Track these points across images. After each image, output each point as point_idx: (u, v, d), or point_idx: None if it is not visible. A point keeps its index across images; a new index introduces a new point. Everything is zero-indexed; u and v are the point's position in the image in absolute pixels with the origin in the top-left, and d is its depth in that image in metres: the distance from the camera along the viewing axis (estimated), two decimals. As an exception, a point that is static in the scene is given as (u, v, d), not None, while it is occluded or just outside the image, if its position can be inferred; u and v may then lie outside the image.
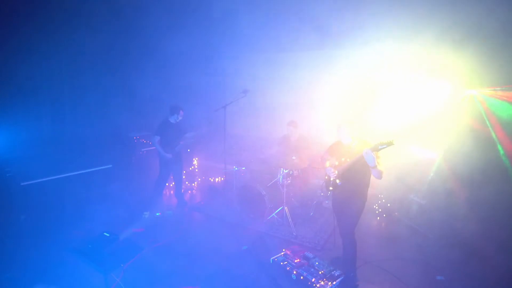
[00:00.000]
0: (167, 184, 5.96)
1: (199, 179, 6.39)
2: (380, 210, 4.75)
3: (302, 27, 5.34)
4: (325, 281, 2.97)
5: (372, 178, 2.86)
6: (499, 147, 3.53)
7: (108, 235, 2.92)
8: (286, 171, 4.25)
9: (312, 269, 3.14)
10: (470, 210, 3.66)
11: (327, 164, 3.18)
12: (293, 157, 4.50)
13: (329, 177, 3.10)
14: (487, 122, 3.70)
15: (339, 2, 4.76)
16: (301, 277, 3.07)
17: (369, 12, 4.66)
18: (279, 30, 5.51)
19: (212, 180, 6.48)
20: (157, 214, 4.71)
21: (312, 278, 3.00)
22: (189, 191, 5.91)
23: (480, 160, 3.57)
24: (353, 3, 4.72)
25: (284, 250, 3.51)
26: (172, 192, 5.85)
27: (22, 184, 4.23)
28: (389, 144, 2.53)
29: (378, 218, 4.67)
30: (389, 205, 4.71)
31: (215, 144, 6.58)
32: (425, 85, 4.22)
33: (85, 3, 4.91)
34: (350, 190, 2.98)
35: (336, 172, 3.01)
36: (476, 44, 3.64)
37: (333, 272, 3.09)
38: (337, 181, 3.03)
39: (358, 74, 5.30)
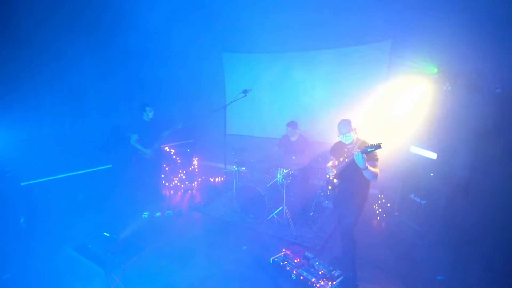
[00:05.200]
0: (167, 183, 6.01)
1: (199, 179, 6.39)
2: (380, 210, 4.75)
3: (303, 27, 5.34)
4: (325, 281, 2.97)
5: None
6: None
7: (108, 235, 2.93)
8: (286, 171, 4.25)
9: (312, 269, 3.15)
10: (470, 210, 3.66)
11: (329, 163, 3.20)
12: (293, 157, 4.51)
13: (329, 176, 3.12)
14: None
15: (336, 3, 4.78)
16: (301, 277, 3.07)
17: (368, 12, 4.66)
18: (280, 29, 5.50)
19: (212, 180, 6.48)
20: (157, 214, 4.71)
21: (312, 278, 3.00)
22: (189, 191, 5.91)
23: (479, 160, 3.56)
24: (351, 4, 4.72)
25: (284, 250, 3.51)
26: (171, 192, 5.87)
27: (22, 184, 4.23)
28: (377, 147, 2.55)
29: (378, 218, 4.67)
30: (389, 205, 4.71)
31: (215, 144, 6.59)
32: (425, 86, 4.21)
33: (86, 7, 4.92)
34: (348, 190, 2.99)
35: (335, 171, 3.02)
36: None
37: (333, 272, 3.09)
38: (335, 180, 3.05)
39: (360, 74, 5.31)
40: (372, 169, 2.72)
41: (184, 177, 6.14)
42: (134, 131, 4.69)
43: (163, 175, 5.78)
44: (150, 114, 4.72)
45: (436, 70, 4.04)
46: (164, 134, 4.78)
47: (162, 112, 5.14)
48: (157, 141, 4.77)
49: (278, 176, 4.38)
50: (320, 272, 3.09)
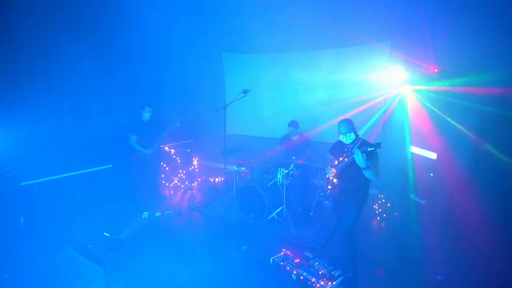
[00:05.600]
0: (167, 184, 6.01)
1: (199, 179, 6.39)
2: (380, 210, 4.75)
3: (303, 27, 5.34)
4: (325, 281, 2.97)
5: None
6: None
7: (108, 235, 2.93)
8: (286, 171, 4.25)
9: (312, 269, 3.15)
10: (470, 210, 3.66)
11: (329, 163, 3.20)
12: (293, 157, 4.51)
13: (329, 176, 3.12)
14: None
15: (336, 3, 4.78)
16: (301, 277, 3.07)
17: (368, 12, 4.65)
18: (281, 29, 5.51)
19: (212, 180, 6.48)
20: (157, 214, 4.71)
21: (312, 278, 3.01)
22: (189, 191, 5.91)
23: (480, 160, 3.56)
24: (351, 4, 4.72)
25: (284, 250, 3.51)
26: (171, 192, 5.87)
27: (22, 184, 4.23)
28: (377, 146, 2.56)
29: (378, 218, 4.67)
30: (389, 205, 4.71)
31: (215, 144, 6.59)
32: (425, 85, 4.21)
33: (87, 7, 4.92)
34: (348, 190, 2.99)
35: (334, 171, 3.02)
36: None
37: (333, 272, 3.09)
38: (334, 180, 3.05)
39: (360, 74, 5.30)
40: (370, 170, 2.72)
41: (184, 177, 6.14)
42: (133, 132, 4.71)
43: (163, 175, 5.79)
44: (147, 115, 4.73)
45: (436, 69, 4.04)
46: (163, 134, 4.79)
47: (162, 112, 5.14)
48: (156, 140, 4.77)
49: (278, 176, 4.38)
50: (320, 272, 3.09)
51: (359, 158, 2.63)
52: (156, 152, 4.84)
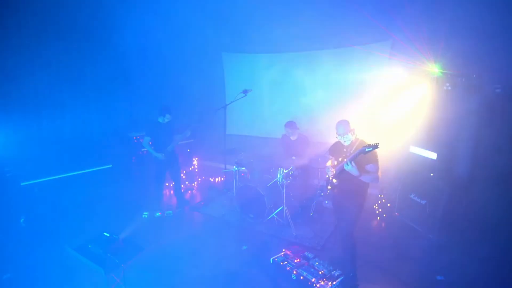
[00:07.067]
0: (166, 184, 6.00)
1: (199, 179, 6.39)
2: (380, 210, 4.74)
3: (303, 27, 5.34)
4: (325, 281, 2.97)
5: None
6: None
7: (108, 235, 2.92)
8: (286, 171, 4.25)
9: (312, 269, 3.15)
10: (470, 210, 3.67)
11: (328, 163, 3.20)
12: (293, 157, 4.51)
13: (328, 176, 3.12)
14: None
15: (336, 3, 4.78)
16: (301, 277, 3.07)
17: (368, 12, 4.66)
18: (281, 30, 5.51)
19: (212, 180, 6.48)
20: (157, 214, 4.70)
21: (312, 278, 3.01)
22: (189, 191, 5.91)
23: (480, 160, 3.57)
24: (351, 4, 4.72)
25: (284, 250, 3.51)
26: (172, 192, 5.86)
27: (22, 184, 4.24)
28: (375, 147, 2.54)
29: (378, 218, 4.67)
30: (389, 205, 4.71)
31: (215, 144, 6.59)
32: (425, 85, 4.21)
33: (87, 7, 4.93)
34: (347, 190, 2.98)
35: (334, 171, 3.02)
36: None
37: (333, 272, 3.09)
38: (334, 180, 3.05)
39: (359, 74, 5.30)
40: (369, 174, 2.73)
41: (184, 177, 6.14)
42: (147, 133, 4.53)
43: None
44: (166, 119, 4.56)
45: (436, 70, 4.03)
46: (176, 138, 4.67)
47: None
48: (170, 144, 4.63)
49: (278, 176, 4.38)
50: (320, 272, 3.09)
51: (350, 169, 2.65)
52: (169, 155, 4.67)
